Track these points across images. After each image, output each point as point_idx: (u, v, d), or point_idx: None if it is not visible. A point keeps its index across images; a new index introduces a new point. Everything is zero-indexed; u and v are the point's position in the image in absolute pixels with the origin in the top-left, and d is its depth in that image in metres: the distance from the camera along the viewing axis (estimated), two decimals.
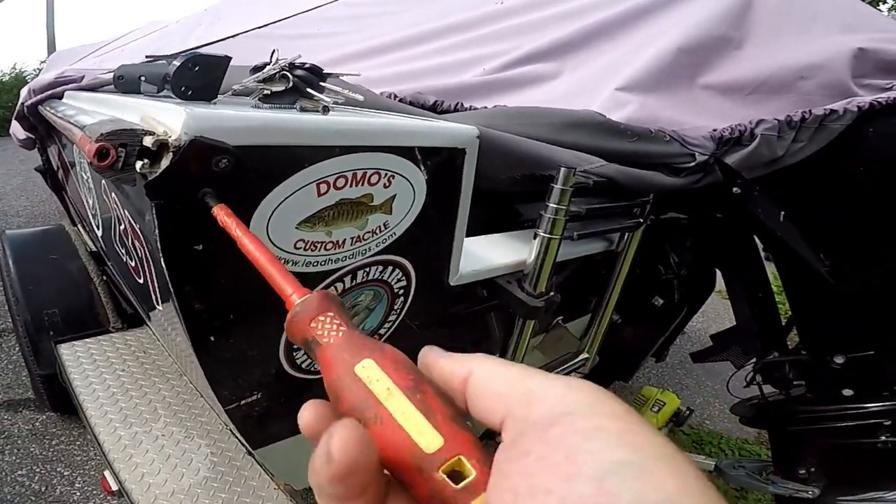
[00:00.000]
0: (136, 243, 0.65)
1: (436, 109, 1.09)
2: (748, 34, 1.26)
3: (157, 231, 0.49)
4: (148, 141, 0.44)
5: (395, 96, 1.15)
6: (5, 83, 14.55)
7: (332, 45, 1.66)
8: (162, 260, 0.51)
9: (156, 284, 0.65)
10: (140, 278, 0.74)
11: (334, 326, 0.29)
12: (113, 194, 0.73)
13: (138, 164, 0.44)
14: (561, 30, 1.37)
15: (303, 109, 0.65)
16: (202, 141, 0.45)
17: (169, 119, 0.46)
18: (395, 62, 1.43)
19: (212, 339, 0.62)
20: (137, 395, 1.77)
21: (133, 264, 0.76)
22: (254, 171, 0.51)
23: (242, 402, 0.76)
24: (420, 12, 1.72)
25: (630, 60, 1.21)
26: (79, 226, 2.39)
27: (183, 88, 0.65)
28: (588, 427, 0.22)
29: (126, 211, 0.66)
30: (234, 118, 0.49)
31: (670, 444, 0.23)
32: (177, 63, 0.65)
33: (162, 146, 0.45)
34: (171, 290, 0.54)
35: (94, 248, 2.26)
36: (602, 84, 1.19)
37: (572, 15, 1.40)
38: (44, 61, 5.75)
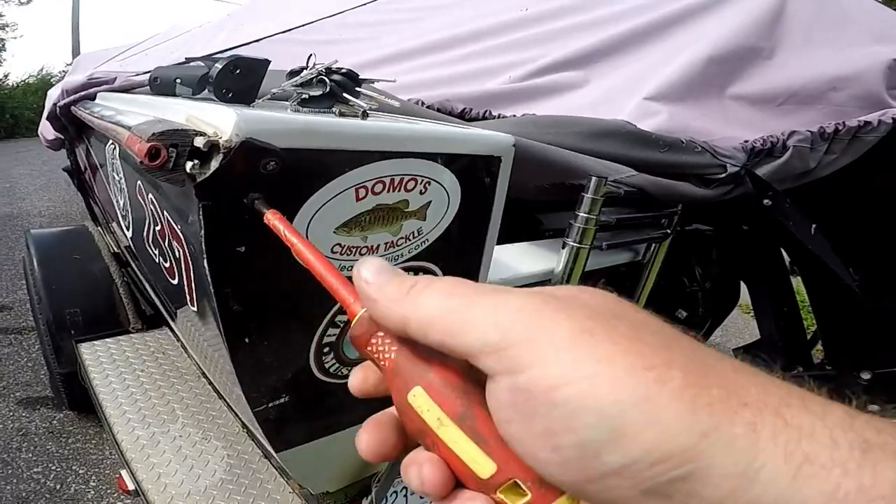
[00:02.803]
0: (175, 244, 0.65)
1: (464, 117, 1.09)
2: (779, 44, 1.24)
3: (202, 232, 0.49)
4: (199, 142, 0.44)
5: (423, 103, 1.15)
6: (31, 85, 14.85)
7: (354, 51, 1.67)
8: (205, 261, 0.51)
9: (193, 285, 0.66)
10: (174, 279, 0.75)
11: (386, 347, 0.29)
12: (150, 195, 0.74)
13: (188, 165, 0.45)
14: (587, 38, 1.37)
15: (341, 114, 0.65)
16: (252, 143, 0.45)
17: (219, 120, 0.46)
18: (419, 69, 1.43)
19: (246, 340, 0.62)
20: (156, 396, 1.78)
21: (168, 265, 0.76)
22: (298, 174, 0.52)
23: (271, 404, 0.76)
24: (443, 19, 1.73)
25: (658, 70, 1.21)
26: (102, 227, 2.42)
27: (224, 90, 0.66)
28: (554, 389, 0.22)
29: (165, 212, 0.67)
30: (282, 121, 0.49)
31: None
32: (219, 66, 0.65)
33: (212, 147, 0.45)
34: (212, 290, 0.54)
35: (115, 250, 2.28)
36: (630, 93, 1.18)
37: (599, 24, 1.40)
38: (69, 64, 5.85)
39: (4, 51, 16.16)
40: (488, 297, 0.24)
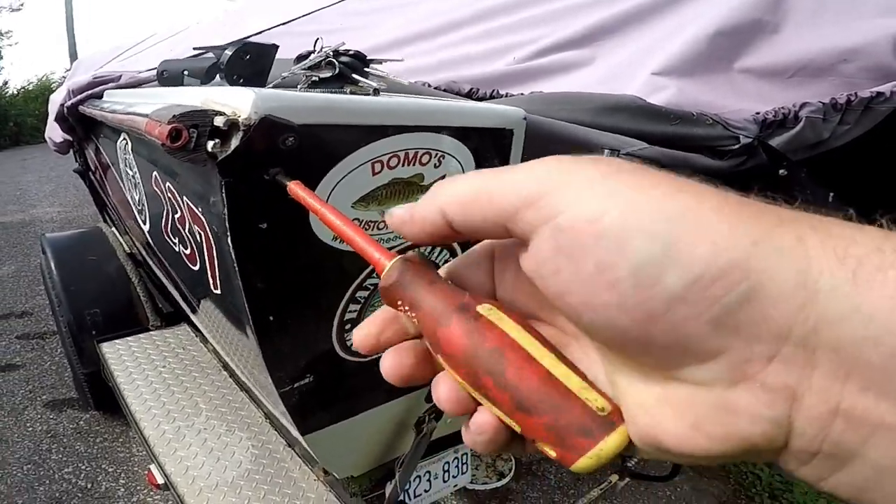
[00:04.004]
0: (196, 228, 0.67)
1: (471, 97, 1.10)
2: (786, 17, 1.23)
3: (225, 210, 0.50)
4: (219, 121, 0.45)
5: (428, 85, 1.16)
6: (32, 91, 14.96)
7: (356, 38, 1.67)
8: (228, 238, 0.52)
9: (216, 267, 0.67)
10: (195, 265, 0.76)
11: (417, 292, 0.28)
12: (167, 184, 0.75)
13: (209, 144, 0.46)
14: (591, 17, 1.36)
15: (353, 94, 0.66)
16: (271, 119, 0.46)
17: (236, 100, 0.47)
18: (422, 53, 1.44)
19: (271, 318, 0.64)
20: (179, 391, 1.81)
21: (188, 252, 0.78)
22: (316, 150, 0.53)
23: (296, 385, 0.78)
24: (443, 3, 1.72)
25: (665, 45, 1.20)
26: (115, 227, 2.45)
27: (235, 76, 0.67)
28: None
29: (185, 197, 0.68)
30: (299, 97, 0.50)
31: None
32: (229, 52, 0.66)
33: (232, 126, 0.46)
34: (236, 268, 0.55)
35: (129, 249, 2.31)
36: (637, 69, 1.18)
37: (602, 2, 1.39)
38: (68, 69, 5.89)
39: (1, 58, 16.32)
40: (518, 166, 0.24)
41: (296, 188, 0.41)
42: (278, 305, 0.63)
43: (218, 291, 0.71)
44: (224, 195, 0.49)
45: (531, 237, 0.23)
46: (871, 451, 0.19)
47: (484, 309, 0.26)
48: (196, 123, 0.45)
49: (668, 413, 0.22)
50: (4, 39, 16.65)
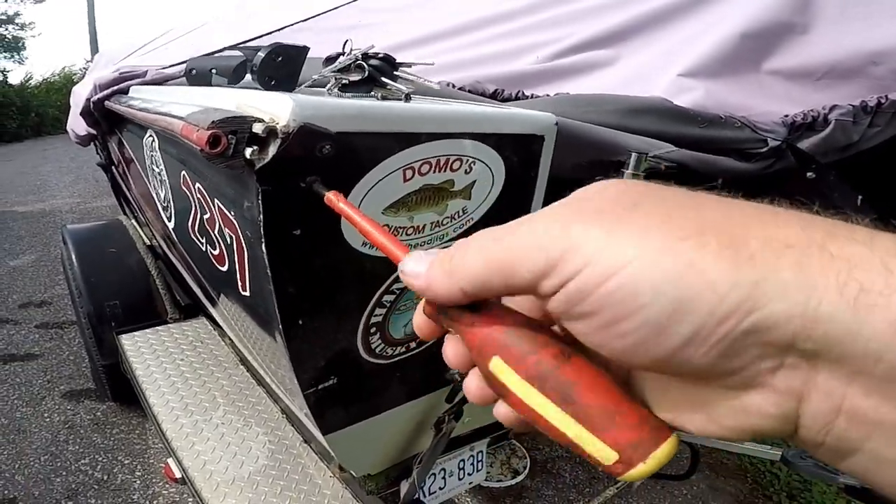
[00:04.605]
0: (227, 230, 0.67)
1: (496, 97, 1.09)
2: (814, 19, 1.21)
3: (261, 216, 0.50)
4: (258, 128, 0.45)
5: (453, 85, 1.15)
6: (54, 83, 15.15)
7: (377, 35, 1.67)
8: (263, 244, 0.52)
9: (246, 270, 0.67)
10: (223, 266, 0.76)
11: (459, 319, 0.29)
12: (197, 184, 0.75)
13: (248, 151, 0.46)
14: (616, 17, 1.35)
15: (383, 98, 0.65)
16: (309, 127, 0.46)
17: (275, 107, 0.47)
18: (444, 52, 1.43)
19: (300, 322, 0.64)
20: (196, 385, 1.82)
21: (216, 252, 0.78)
22: (350, 157, 0.52)
23: (320, 386, 0.78)
24: (463, 2, 1.71)
25: (691, 47, 1.18)
26: (135, 220, 2.47)
27: (267, 78, 0.66)
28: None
29: (216, 200, 0.68)
30: (336, 105, 0.50)
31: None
32: (262, 54, 0.66)
33: (270, 133, 0.46)
34: (269, 273, 0.55)
35: (149, 242, 2.33)
36: (663, 70, 1.16)
37: (624, 3, 1.37)
38: (89, 61, 5.95)
39: (25, 49, 16.51)
40: (523, 227, 0.25)
41: (335, 199, 0.41)
42: (308, 309, 0.64)
43: (246, 293, 0.71)
44: (260, 202, 0.49)
45: (552, 301, 0.25)
46: (872, 445, 0.20)
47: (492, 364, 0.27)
48: (235, 130, 0.45)
49: (686, 407, 0.24)
50: (28, 30, 16.86)
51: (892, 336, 0.19)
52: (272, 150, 0.46)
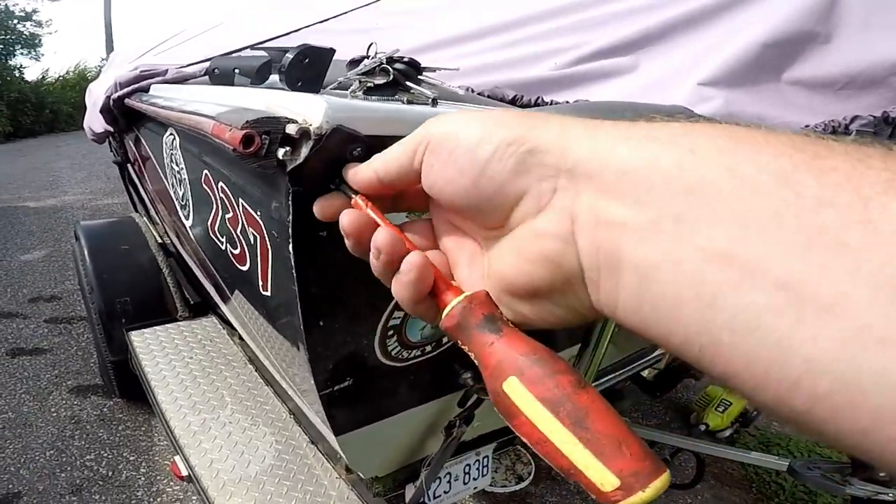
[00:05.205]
0: (251, 230, 0.67)
1: (515, 104, 1.09)
2: (836, 29, 1.21)
3: (290, 217, 0.50)
4: (291, 129, 0.45)
5: (472, 90, 1.15)
6: (69, 80, 15.28)
7: (392, 39, 1.67)
8: (290, 244, 0.52)
9: (268, 270, 0.67)
10: (244, 265, 0.77)
11: (481, 336, 0.31)
12: (220, 183, 0.75)
13: (280, 152, 0.46)
14: (635, 24, 1.35)
15: (409, 102, 0.66)
16: (342, 130, 0.46)
17: (307, 108, 0.47)
18: (461, 56, 1.43)
19: (321, 323, 0.64)
20: (205, 383, 1.82)
21: (237, 252, 0.78)
22: None
23: (336, 387, 0.78)
24: (480, 7, 1.71)
25: (711, 56, 1.18)
26: (148, 217, 2.48)
27: (295, 79, 0.67)
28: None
29: (240, 199, 0.68)
30: (368, 108, 0.50)
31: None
32: (290, 55, 0.67)
33: (304, 134, 0.46)
34: (295, 274, 0.55)
35: (161, 240, 2.34)
36: (682, 78, 1.16)
37: (643, 11, 1.37)
38: (104, 59, 5.99)
39: (41, 46, 16.66)
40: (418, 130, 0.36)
41: (362, 203, 0.41)
42: (329, 311, 0.64)
43: (267, 293, 0.71)
44: (291, 203, 0.49)
45: (423, 159, 0.34)
46: (626, 251, 0.25)
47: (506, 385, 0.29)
48: (268, 130, 0.45)
49: (507, 252, 0.32)
50: (45, 27, 17.01)
51: (613, 150, 0.26)
52: (304, 151, 0.46)
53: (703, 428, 2.34)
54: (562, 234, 0.28)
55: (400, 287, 0.34)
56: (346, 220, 0.38)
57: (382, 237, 0.35)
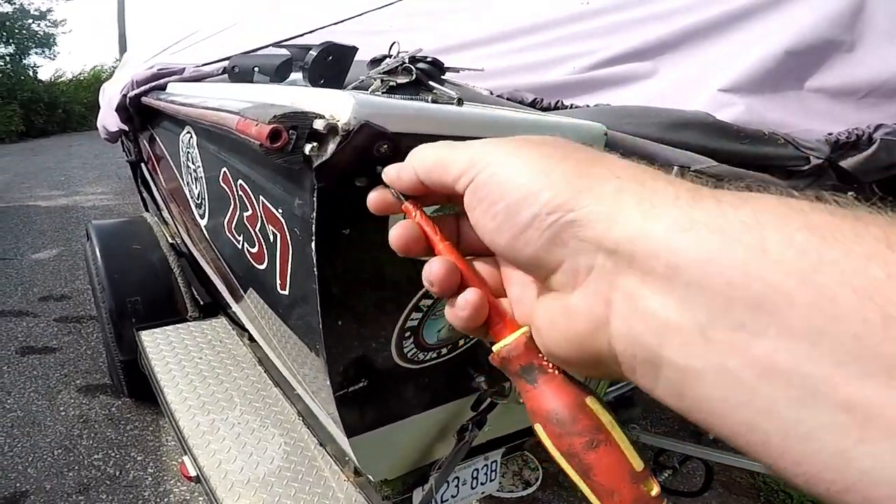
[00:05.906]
0: (271, 228, 0.66)
1: (535, 107, 1.08)
2: (860, 37, 1.20)
3: (314, 214, 0.49)
4: (319, 124, 0.45)
5: (491, 92, 1.14)
6: (82, 81, 15.42)
7: (408, 41, 1.67)
8: (313, 241, 0.52)
9: (288, 268, 0.67)
10: (261, 264, 0.76)
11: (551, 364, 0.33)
12: (240, 181, 0.75)
13: (307, 147, 0.45)
14: (654, 30, 1.34)
15: (434, 101, 0.65)
16: (370, 126, 0.45)
17: (335, 104, 0.47)
18: (480, 59, 1.42)
19: (339, 323, 0.63)
20: (214, 383, 1.82)
21: (255, 250, 0.78)
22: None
23: (351, 388, 0.77)
24: (498, 10, 1.71)
25: (732, 62, 1.17)
26: (157, 217, 2.48)
27: (318, 76, 0.66)
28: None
29: (261, 196, 0.68)
30: (393, 106, 0.49)
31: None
32: (314, 52, 0.66)
33: (331, 130, 0.45)
34: (316, 272, 0.54)
35: (171, 240, 2.34)
36: (702, 84, 1.15)
37: (664, 17, 1.36)
38: (118, 59, 6.04)
39: (56, 45, 16.81)
40: (462, 144, 0.33)
41: (412, 209, 0.38)
42: (349, 310, 0.63)
43: (285, 292, 0.71)
44: (316, 199, 0.48)
45: (465, 192, 0.32)
46: (667, 351, 0.24)
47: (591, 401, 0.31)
48: (295, 125, 0.45)
49: (543, 314, 0.30)
50: (59, 27, 17.16)
51: (667, 239, 0.24)
52: (331, 147, 0.45)
53: (711, 436, 2.31)
54: (594, 317, 0.27)
55: (453, 317, 0.33)
56: (394, 234, 0.36)
57: (436, 272, 0.33)
